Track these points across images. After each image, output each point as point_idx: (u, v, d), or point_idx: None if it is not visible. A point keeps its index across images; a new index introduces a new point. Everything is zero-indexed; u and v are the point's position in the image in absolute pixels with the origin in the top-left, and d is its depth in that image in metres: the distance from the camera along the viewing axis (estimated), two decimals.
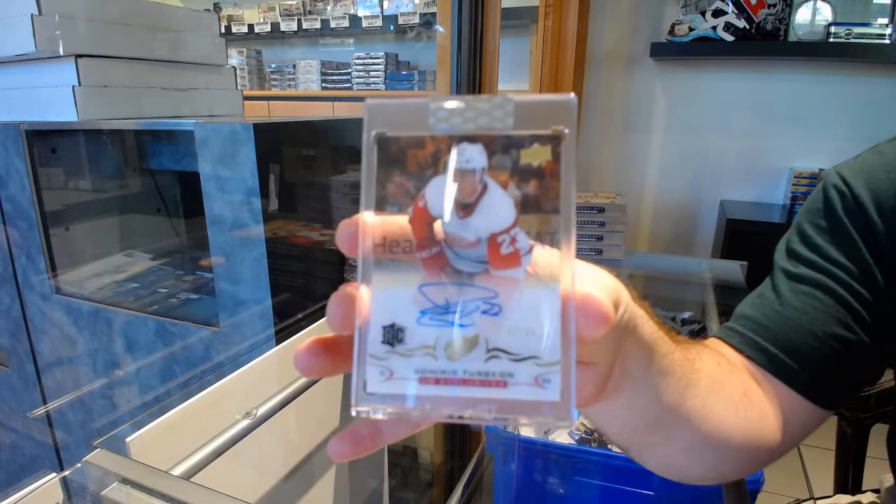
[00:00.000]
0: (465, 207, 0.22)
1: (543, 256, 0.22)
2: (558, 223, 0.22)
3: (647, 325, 0.31)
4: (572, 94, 0.22)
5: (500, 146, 0.22)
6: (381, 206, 0.23)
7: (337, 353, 0.24)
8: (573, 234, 0.22)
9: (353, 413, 0.22)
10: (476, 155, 0.22)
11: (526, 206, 0.22)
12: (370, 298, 0.22)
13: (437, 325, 0.22)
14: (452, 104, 0.23)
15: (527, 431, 0.82)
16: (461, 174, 0.22)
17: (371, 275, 0.23)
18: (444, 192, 0.22)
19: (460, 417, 0.22)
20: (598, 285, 0.24)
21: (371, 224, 0.23)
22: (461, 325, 0.22)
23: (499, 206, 0.22)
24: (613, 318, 0.23)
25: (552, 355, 0.21)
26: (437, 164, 0.22)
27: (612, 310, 0.23)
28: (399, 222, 0.23)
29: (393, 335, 0.22)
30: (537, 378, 0.21)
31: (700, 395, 0.37)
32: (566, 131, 0.22)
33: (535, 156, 0.22)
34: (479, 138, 0.22)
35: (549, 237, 0.22)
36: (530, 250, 0.22)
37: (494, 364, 0.22)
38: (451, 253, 0.23)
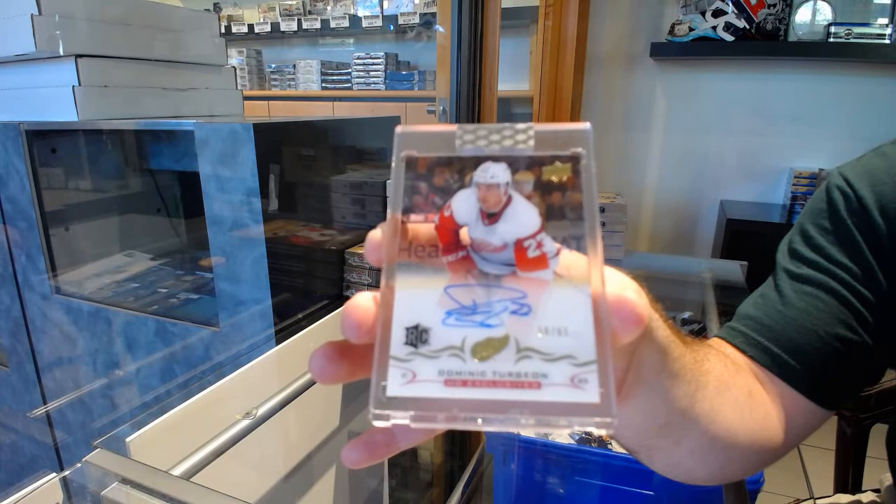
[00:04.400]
0: (490, 216, 0.23)
1: (571, 259, 0.22)
2: (583, 229, 0.22)
3: (662, 328, 0.30)
4: (588, 124, 0.23)
5: (523, 164, 0.23)
6: (407, 215, 0.23)
7: (354, 357, 0.23)
8: (599, 239, 0.22)
9: (371, 419, 0.20)
10: (500, 172, 0.23)
11: (550, 214, 0.22)
12: (393, 299, 0.22)
13: (464, 325, 0.21)
14: (478, 131, 0.23)
15: (527, 431, 0.82)
16: (486, 187, 0.23)
17: (395, 276, 0.22)
18: (470, 202, 0.23)
19: (490, 423, 0.20)
20: (630, 287, 0.24)
21: (396, 229, 0.23)
22: (489, 325, 0.21)
23: (524, 214, 0.22)
24: (647, 319, 0.23)
25: (588, 354, 0.20)
26: (462, 180, 0.23)
27: (645, 312, 0.23)
28: (425, 228, 0.23)
29: (417, 336, 0.21)
30: (573, 378, 0.20)
31: (708, 397, 0.36)
32: (583, 151, 0.23)
33: (557, 172, 0.23)
34: (502, 158, 0.23)
35: (575, 242, 0.22)
36: (557, 253, 0.22)
37: (526, 364, 0.21)
38: (478, 257, 0.23)
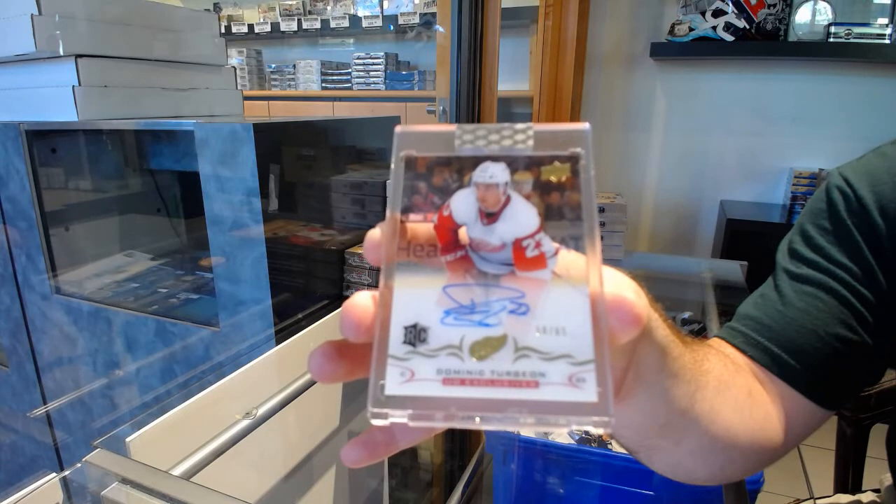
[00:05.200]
0: (489, 216, 0.23)
1: (570, 259, 0.22)
2: (582, 229, 0.22)
3: (661, 328, 0.30)
4: (587, 124, 0.23)
5: (522, 164, 0.23)
6: (406, 215, 0.23)
7: (352, 356, 0.24)
8: (597, 239, 0.22)
9: (369, 417, 0.20)
10: (499, 172, 0.23)
11: (549, 214, 0.23)
12: (392, 298, 0.22)
13: (463, 324, 0.21)
14: (477, 130, 0.24)
15: (527, 431, 0.82)
16: (485, 187, 0.23)
17: (394, 276, 0.22)
18: (469, 201, 0.23)
19: (488, 422, 0.20)
20: (628, 287, 0.24)
21: (395, 228, 0.23)
22: (488, 325, 0.21)
23: (522, 214, 0.23)
24: (645, 319, 0.23)
25: (585, 353, 0.20)
26: (461, 180, 0.23)
27: (644, 311, 0.23)
28: (423, 228, 0.23)
29: (415, 335, 0.21)
30: (571, 377, 0.20)
31: (708, 397, 0.36)
32: (582, 152, 0.23)
33: (556, 172, 0.23)
34: (501, 158, 0.23)
35: (573, 242, 0.22)
36: (556, 253, 0.22)
37: (524, 363, 0.21)
38: (477, 256, 0.23)
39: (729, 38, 2.09)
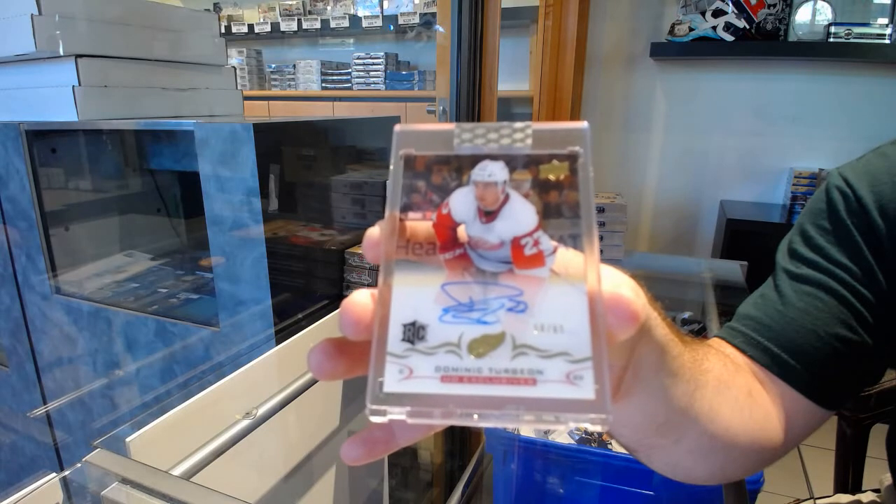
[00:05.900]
0: (488, 214, 0.23)
1: (568, 257, 0.22)
2: (580, 227, 0.22)
3: (660, 326, 0.30)
4: (586, 123, 0.23)
5: (520, 163, 0.23)
6: (405, 213, 0.23)
7: (351, 354, 0.24)
8: (595, 238, 0.22)
9: (368, 414, 0.20)
10: (497, 170, 0.23)
11: (547, 212, 0.23)
12: (390, 296, 0.22)
13: (461, 322, 0.22)
14: (476, 129, 0.24)
15: (527, 431, 0.82)
16: (484, 185, 0.23)
17: (392, 274, 0.22)
18: (468, 200, 0.23)
19: (486, 419, 0.20)
20: (626, 285, 0.24)
21: (394, 227, 0.23)
22: (486, 322, 0.21)
23: (521, 212, 0.23)
24: (642, 317, 0.23)
25: (583, 351, 0.21)
26: (460, 178, 0.23)
27: (641, 309, 0.23)
28: (422, 226, 0.23)
29: (414, 333, 0.21)
30: (569, 374, 0.20)
31: (708, 396, 0.37)
32: (580, 150, 0.23)
33: (554, 171, 0.23)
34: (500, 157, 0.23)
35: (571, 241, 0.22)
36: (554, 251, 0.22)
37: (522, 361, 0.21)
38: (475, 255, 0.23)
39: (729, 38, 2.09)
